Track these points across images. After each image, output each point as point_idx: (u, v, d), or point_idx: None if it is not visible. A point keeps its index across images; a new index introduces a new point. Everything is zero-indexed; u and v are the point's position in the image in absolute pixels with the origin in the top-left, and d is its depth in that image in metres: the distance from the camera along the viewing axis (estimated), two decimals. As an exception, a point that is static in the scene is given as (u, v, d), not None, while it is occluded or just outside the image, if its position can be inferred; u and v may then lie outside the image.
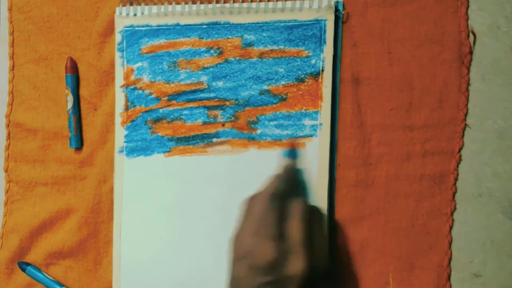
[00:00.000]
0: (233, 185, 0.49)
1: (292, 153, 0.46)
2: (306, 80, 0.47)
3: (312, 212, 0.42)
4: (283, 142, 0.47)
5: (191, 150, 0.49)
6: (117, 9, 0.51)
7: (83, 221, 0.52)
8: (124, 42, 0.51)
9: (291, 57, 0.48)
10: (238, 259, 0.39)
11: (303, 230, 0.39)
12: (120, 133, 0.51)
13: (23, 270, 0.53)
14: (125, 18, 0.51)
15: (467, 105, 0.46)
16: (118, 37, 0.51)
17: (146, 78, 0.50)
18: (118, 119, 0.51)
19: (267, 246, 0.38)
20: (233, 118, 0.49)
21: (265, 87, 0.48)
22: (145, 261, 0.50)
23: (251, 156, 0.48)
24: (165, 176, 0.50)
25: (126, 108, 0.51)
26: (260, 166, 0.48)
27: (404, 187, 0.46)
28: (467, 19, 0.46)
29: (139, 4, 0.51)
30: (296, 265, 0.37)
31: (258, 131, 0.48)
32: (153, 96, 0.50)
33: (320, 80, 0.47)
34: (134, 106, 0.51)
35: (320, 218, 0.43)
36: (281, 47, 0.48)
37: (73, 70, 0.52)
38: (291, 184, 0.43)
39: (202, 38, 0.49)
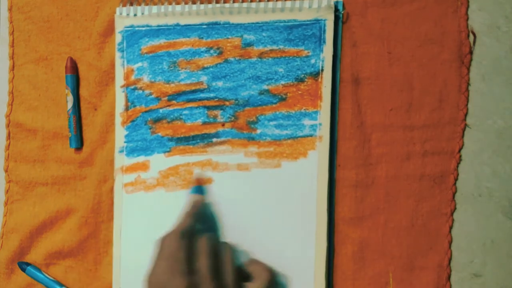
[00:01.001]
0: (234, 186, 0.49)
1: (199, 190, 0.49)
2: (306, 80, 0.47)
3: (220, 245, 0.45)
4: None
5: (191, 150, 0.49)
6: (117, 9, 0.51)
7: (83, 221, 0.52)
8: (124, 42, 0.51)
9: (290, 57, 0.48)
10: None
11: (211, 264, 0.42)
12: (120, 133, 0.51)
13: (23, 270, 0.53)
14: (125, 18, 0.51)
15: (467, 105, 0.46)
16: (118, 37, 0.51)
17: (146, 78, 0.50)
18: (118, 119, 0.51)
19: (178, 281, 0.40)
20: (233, 118, 0.49)
21: (265, 87, 0.48)
22: (145, 261, 0.50)
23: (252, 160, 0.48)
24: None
25: (126, 108, 0.51)
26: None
27: (404, 187, 0.46)
28: (467, 19, 0.46)
29: (139, 4, 0.51)
30: None
31: (258, 131, 0.48)
32: (153, 96, 0.50)
33: (319, 80, 0.47)
34: (134, 106, 0.51)
35: (227, 251, 0.44)
36: (281, 47, 0.48)
37: (73, 70, 0.52)
38: (200, 220, 0.46)
39: (202, 38, 0.49)
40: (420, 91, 0.46)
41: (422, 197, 0.46)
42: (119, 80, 0.51)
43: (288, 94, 0.48)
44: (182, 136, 0.50)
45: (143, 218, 0.50)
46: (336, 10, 0.47)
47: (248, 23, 0.48)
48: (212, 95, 0.49)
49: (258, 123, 0.48)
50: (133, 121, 0.51)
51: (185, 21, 0.50)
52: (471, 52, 0.46)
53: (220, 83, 0.49)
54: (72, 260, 0.53)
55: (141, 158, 0.51)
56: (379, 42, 0.47)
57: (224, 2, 0.49)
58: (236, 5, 0.49)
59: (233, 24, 0.49)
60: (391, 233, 0.47)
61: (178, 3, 0.50)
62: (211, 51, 0.49)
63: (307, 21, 0.47)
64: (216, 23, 0.49)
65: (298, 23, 0.47)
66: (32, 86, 0.54)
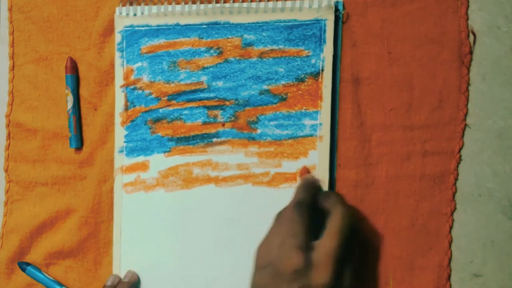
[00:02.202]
0: (235, 187, 0.49)
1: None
2: (306, 80, 0.47)
3: (349, 227, 0.40)
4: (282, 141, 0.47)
5: (191, 150, 0.49)
6: (117, 9, 0.51)
7: (83, 221, 0.52)
8: (124, 42, 0.51)
9: (291, 57, 0.48)
10: (261, 267, 0.40)
11: (336, 244, 0.38)
12: (120, 133, 0.51)
13: (23, 270, 0.53)
14: (125, 18, 0.51)
15: (467, 105, 0.46)
16: (118, 37, 0.51)
17: (146, 78, 0.50)
18: (118, 119, 0.51)
19: (294, 255, 0.38)
20: (233, 118, 0.49)
21: (265, 87, 0.48)
22: (145, 261, 0.50)
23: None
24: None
25: (126, 108, 0.51)
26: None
27: (404, 187, 0.46)
28: (467, 19, 0.46)
29: (139, 4, 0.51)
30: (321, 277, 0.37)
31: (258, 131, 0.48)
32: (153, 96, 0.50)
33: (320, 80, 0.47)
34: (134, 106, 0.51)
35: (353, 238, 0.41)
36: (281, 47, 0.48)
37: (73, 70, 0.52)
38: (314, 193, 0.43)
39: (202, 38, 0.49)
40: (420, 91, 0.46)
41: (422, 197, 0.46)
42: (119, 80, 0.51)
43: (288, 94, 0.48)
44: (182, 136, 0.50)
45: (143, 218, 0.50)
46: (336, 10, 0.47)
47: (248, 23, 0.48)
48: (212, 95, 0.49)
49: (259, 123, 0.48)
50: (132, 121, 0.51)
51: (185, 21, 0.50)
52: (471, 52, 0.46)
53: (220, 83, 0.49)
54: (72, 260, 0.53)
55: (140, 158, 0.51)
56: (379, 42, 0.47)
57: (224, 2, 0.49)
58: (236, 5, 0.49)
59: (233, 24, 0.49)
60: (391, 233, 0.47)
61: (178, 3, 0.50)
62: (211, 51, 0.49)
63: (307, 21, 0.47)
64: (216, 23, 0.49)
65: (298, 23, 0.47)
66: (32, 86, 0.54)
